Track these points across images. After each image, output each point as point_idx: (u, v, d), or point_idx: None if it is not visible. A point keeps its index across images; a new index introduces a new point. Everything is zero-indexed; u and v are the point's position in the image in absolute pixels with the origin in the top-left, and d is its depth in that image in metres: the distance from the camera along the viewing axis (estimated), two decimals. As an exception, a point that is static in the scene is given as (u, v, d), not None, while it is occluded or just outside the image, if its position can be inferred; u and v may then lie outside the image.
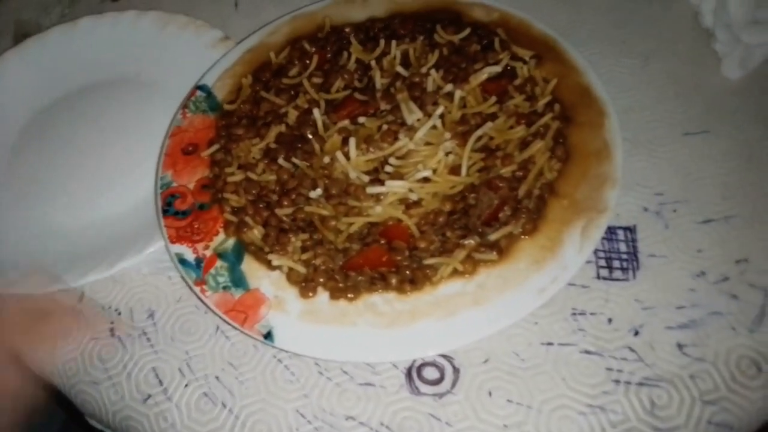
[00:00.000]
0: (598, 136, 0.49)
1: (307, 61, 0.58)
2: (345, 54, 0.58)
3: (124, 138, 0.60)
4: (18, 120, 0.64)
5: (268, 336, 0.44)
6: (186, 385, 0.47)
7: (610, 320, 0.46)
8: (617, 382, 0.43)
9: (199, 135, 0.55)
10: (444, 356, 0.46)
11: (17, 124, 0.64)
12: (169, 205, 0.51)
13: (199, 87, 0.58)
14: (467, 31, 0.56)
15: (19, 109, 0.65)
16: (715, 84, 0.57)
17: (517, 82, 0.53)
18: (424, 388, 0.45)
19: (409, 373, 0.45)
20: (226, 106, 0.56)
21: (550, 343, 0.45)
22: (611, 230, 0.50)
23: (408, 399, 0.44)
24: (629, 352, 0.44)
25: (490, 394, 0.44)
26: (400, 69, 0.55)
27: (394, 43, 0.57)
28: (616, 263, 0.48)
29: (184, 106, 0.57)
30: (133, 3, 0.73)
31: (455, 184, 0.48)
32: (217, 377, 0.47)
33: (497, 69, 0.53)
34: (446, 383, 0.45)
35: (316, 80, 0.57)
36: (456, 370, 0.45)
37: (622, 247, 0.49)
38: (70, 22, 0.70)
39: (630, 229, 0.50)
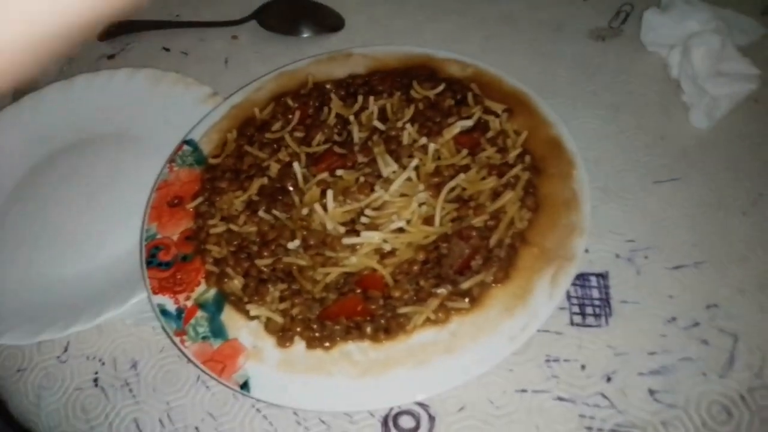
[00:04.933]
0: (567, 186, 0.51)
1: (290, 116, 0.60)
2: (326, 109, 0.60)
3: (113, 191, 0.62)
4: (12, 175, 0.66)
5: (244, 386, 0.45)
6: (165, 436, 0.47)
7: (583, 366, 0.47)
8: (590, 429, 0.44)
9: (185, 188, 0.57)
10: (420, 404, 0.46)
11: (11, 179, 0.66)
12: (153, 257, 0.53)
13: (186, 141, 0.60)
14: (442, 86, 0.59)
15: (13, 165, 0.67)
16: (683, 133, 0.59)
17: (490, 134, 0.55)
18: (399, 436, 0.45)
19: (385, 422, 0.46)
20: (211, 160, 0.58)
21: (524, 390, 0.46)
22: (584, 277, 0.51)
23: (383, 448, 0.45)
24: (602, 398, 0.45)
25: (464, 442, 0.44)
26: (377, 123, 0.57)
27: (372, 98, 0.59)
28: (589, 309, 0.49)
29: (171, 160, 0.59)
30: (128, 61, 0.76)
31: (429, 234, 0.50)
32: (196, 428, 0.47)
33: (469, 123, 0.55)
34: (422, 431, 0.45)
35: (298, 134, 0.59)
36: (432, 419, 0.46)
37: (595, 293, 0.50)
38: (65, 80, 0.72)
39: (602, 276, 0.51)
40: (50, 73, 0.77)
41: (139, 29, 0.79)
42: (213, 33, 0.77)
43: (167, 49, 0.76)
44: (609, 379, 0.46)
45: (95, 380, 0.51)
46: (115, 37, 0.79)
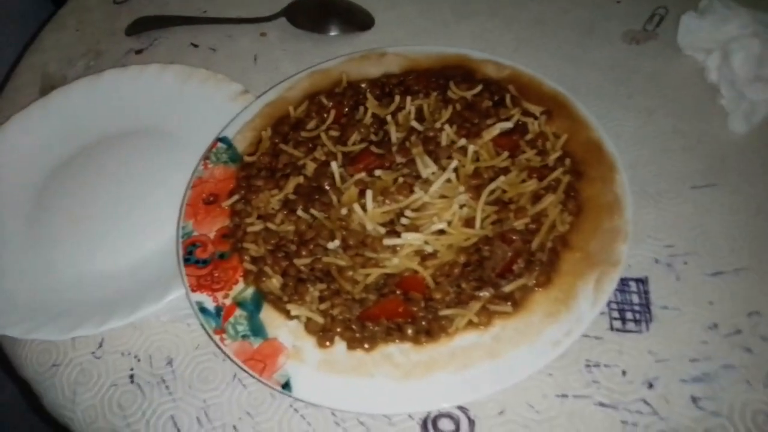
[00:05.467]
0: (610, 190, 0.50)
1: (325, 115, 0.60)
2: (361, 108, 0.60)
3: (145, 188, 0.62)
4: (42, 169, 0.66)
5: (286, 386, 0.45)
6: (203, 434, 0.47)
7: (624, 372, 0.46)
8: (632, 435, 0.44)
9: (220, 185, 0.57)
10: (459, 407, 0.46)
11: (41, 173, 0.65)
12: (190, 254, 0.53)
13: (220, 139, 0.60)
14: (479, 87, 0.58)
15: (43, 159, 0.66)
16: (721, 138, 0.58)
17: (529, 137, 0.55)
18: (439, 439, 0.45)
19: (424, 425, 0.46)
20: (246, 158, 0.58)
21: (564, 395, 0.46)
22: (624, 282, 0.50)
23: (424, 450, 0.45)
24: (644, 405, 0.45)
25: (505, 446, 0.44)
26: (414, 123, 0.57)
27: (408, 98, 0.59)
28: (629, 315, 0.49)
29: (206, 157, 0.59)
30: (156, 56, 0.75)
31: (470, 237, 0.49)
32: (234, 426, 0.47)
33: (509, 125, 0.55)
34: (462, 435, 0.45)
35: (333, 133, 0.59)
36: (471, 422, 0.45)
37: (635, 298, 0.50)
38: (94, 75, 0.72)
39: (642, 281, 0.51)
40: (77, 68, 0.77)
41: (166, 24, 0.79)
42: (241, 30, 0.76)
43: (195, 45, 0.76)
44: (651, 386, 0.46)
45: (131, 376, 0.51)
46: (142, 32, 0.79)
